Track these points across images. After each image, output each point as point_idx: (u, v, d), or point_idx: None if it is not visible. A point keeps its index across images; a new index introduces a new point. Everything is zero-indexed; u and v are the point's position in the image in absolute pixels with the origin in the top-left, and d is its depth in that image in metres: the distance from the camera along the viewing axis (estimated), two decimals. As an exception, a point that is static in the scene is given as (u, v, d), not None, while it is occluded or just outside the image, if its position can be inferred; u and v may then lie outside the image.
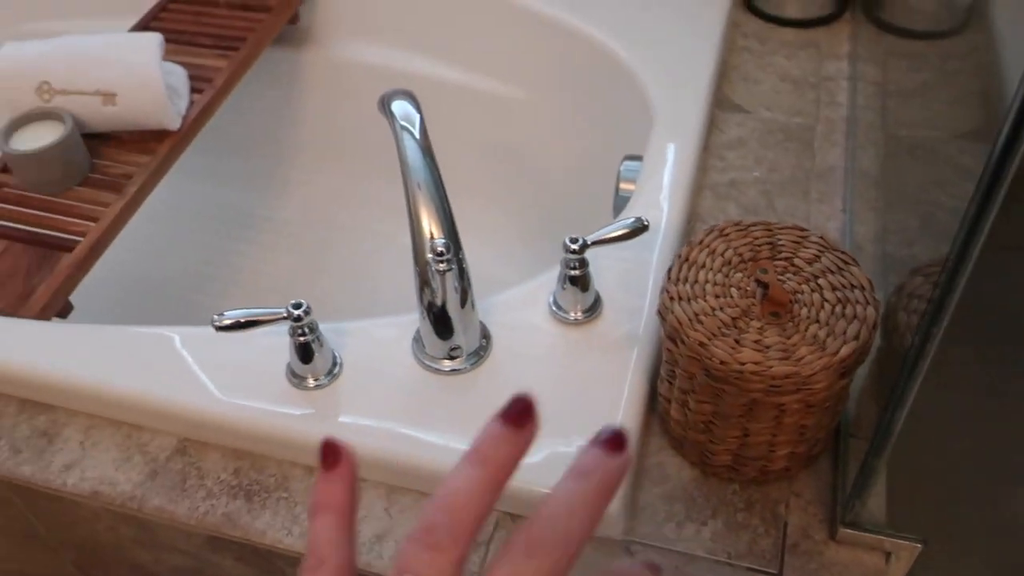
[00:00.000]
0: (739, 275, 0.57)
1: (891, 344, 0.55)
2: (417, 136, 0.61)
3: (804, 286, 0.56)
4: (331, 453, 0.29)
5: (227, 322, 0.61)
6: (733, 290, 0.56)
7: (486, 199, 1.13)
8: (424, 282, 0.61)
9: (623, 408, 0.62)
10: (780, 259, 0.58)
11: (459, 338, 0.64)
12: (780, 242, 0.59)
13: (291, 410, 0.63)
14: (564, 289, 0.66)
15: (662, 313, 0.57)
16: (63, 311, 0.79)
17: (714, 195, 0.81)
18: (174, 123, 0.91)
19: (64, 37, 0.92)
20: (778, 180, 0.82)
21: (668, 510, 0.60)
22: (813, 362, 0.52)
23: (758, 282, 0.56)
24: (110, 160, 0.90)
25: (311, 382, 0.64)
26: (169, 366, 0.67)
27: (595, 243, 0.63)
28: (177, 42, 1.02)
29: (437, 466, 0.60)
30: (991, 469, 0.51)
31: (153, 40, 0.91)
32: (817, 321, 0.54)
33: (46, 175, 0.86)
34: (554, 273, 0.67)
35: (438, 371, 0.65)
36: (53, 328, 0.73)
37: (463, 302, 0.62)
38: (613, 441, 0.27)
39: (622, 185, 0.82)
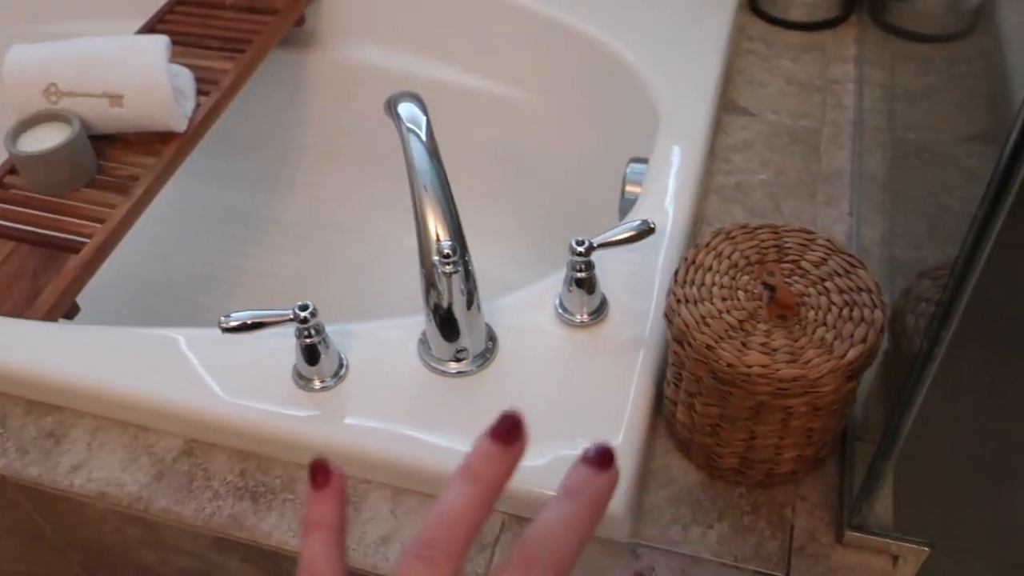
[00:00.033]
0: (746, 278, 0.57)
1: (898, 347, 0.55)
2: (424, 138, 0.61)
3: (811, 289, 0.56)
4: (321, 472, 0.31)
5: (234, 324, 0.61)
6: (740, 293, 0.56)
7: (493, 201, 1.13)
8: (430, 284, 0.61)
9: (629, 411, 0.62)
10: (787, 262, 0.58)
11: (465, 340, 0.64)
12: (787, 245, 0.59)
13: (297, 412, 0.63)
14: (570, 291, 0.66)
15: (668, 316, 0.57)
16: (70, 312, 0.79)
17: (720, 198, 0.81)
18: (180, 125, 0.91)
19: (71, 39, 0.93)
20: (784, 183, 0.82)
21: (674, 513, 0.60)
22: (820, 365, 0.52)
23: (765, 285, 0.56)
24: (117, 162, 0.90)
25: (317, 384, 0.64)
26: (175, 367, 0.67)
27: (601, 246, 0.63)
28: (184, 44, 1.02)
29: (443, 468, 0.60)
30: (999, 473, 0.50)
31: (160, 42, 0.91)
32: (824, 324, 0.54)
33: (53, 176, 0.86)
34: (560, 275, 0.67)
35: (444, 373, 0.65)
36: (60, 329, 0.73)
37: (469, 304, 0.62)
38: (600, 459, 0.29)
39: (628, 188, 0.82)
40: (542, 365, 0.65)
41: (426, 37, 1.13)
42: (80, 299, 0.80)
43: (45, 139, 0.86)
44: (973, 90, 0.52)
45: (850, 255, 0.58)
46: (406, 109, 0.62)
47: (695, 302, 0.56)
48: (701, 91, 0.87)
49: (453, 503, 0.28)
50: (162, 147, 0.91)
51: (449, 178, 0.60)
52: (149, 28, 1.07)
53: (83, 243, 0.81)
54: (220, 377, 0.66)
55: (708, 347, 0.54)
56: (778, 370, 0.52)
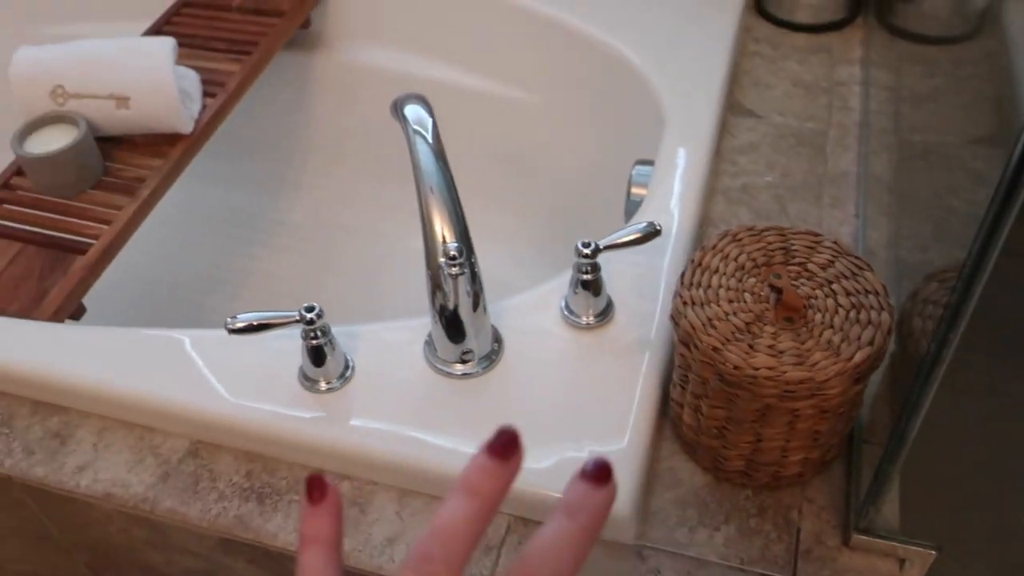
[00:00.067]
0: (752, 280, 0.57)
1: (906, 350, 0.55)
2: (430, 140, 0.61)
3: (818, 291, 0.56)
4: (317, 487, 0.31)
5: (240, 325, 0.61)
6: (746, 295, 0.56)
7: (498, 203, 1.13)
8: (436, 286, 0.61)
9: (635, 413, 0.61)
10: (794, 264, 0.58)
11: (471, 342, 0.64)
12: (794, 247, 0.59)
13: (303, 413, 0.63)
14: (576, 293, 0.66)
15: (675, 318, 0.57)
16: (76, 313, 0.79)
17: (726, 200, 0.81)
18: (187, 127, 0.91)
19: (78, 41, 0.93)
20: (790, 185, 0.82)
21: (680, 515, 0.60)
22: (827, 367, 0.52)
23: (772, 287, 0.56)
24: (123, 163, 0.91)
25: (323, 385, 0.64)
26: (181, 368, 0.67)
27: (607, 247, 0.63)
28: (190, 46, 1.02)
29: (449, 470, 0.60)
30: (1006, 476, 0.50)
31: (166, 44, 0.91)
32: (831, 326, 0.54)
33: (60, 178, 0.86)
34: (566, 277, 0.67)
35: (450, 375, 0.65)
36: (66, 330, 0.73)
37: (475, 306, 0.62)
38: (598, 474, 0.30)
39: (634, 189, 0.82)
40: (548, 367, 0.65)
41: (431, 39, 1.13)
42: (86, 300, 0.80)
43: (52, 141, 0.86)
44: (979, 92, 0.52)
45: (857, 257, 0.58)
46: (412, 111, 0.62)
47: (701, 304, 0.56)
48: (707, 93, 0.87)
49: (451, 516, 0.29)
50: (168, 149, 0.91)
51: (454, 180, 0.60)
52: (155, 30, 1.07)
53: (89, 244, 0.82)
54: (226, 378, 0.66)
55: (715, 349, 0.53)
56: (785, 372, 0.52)
